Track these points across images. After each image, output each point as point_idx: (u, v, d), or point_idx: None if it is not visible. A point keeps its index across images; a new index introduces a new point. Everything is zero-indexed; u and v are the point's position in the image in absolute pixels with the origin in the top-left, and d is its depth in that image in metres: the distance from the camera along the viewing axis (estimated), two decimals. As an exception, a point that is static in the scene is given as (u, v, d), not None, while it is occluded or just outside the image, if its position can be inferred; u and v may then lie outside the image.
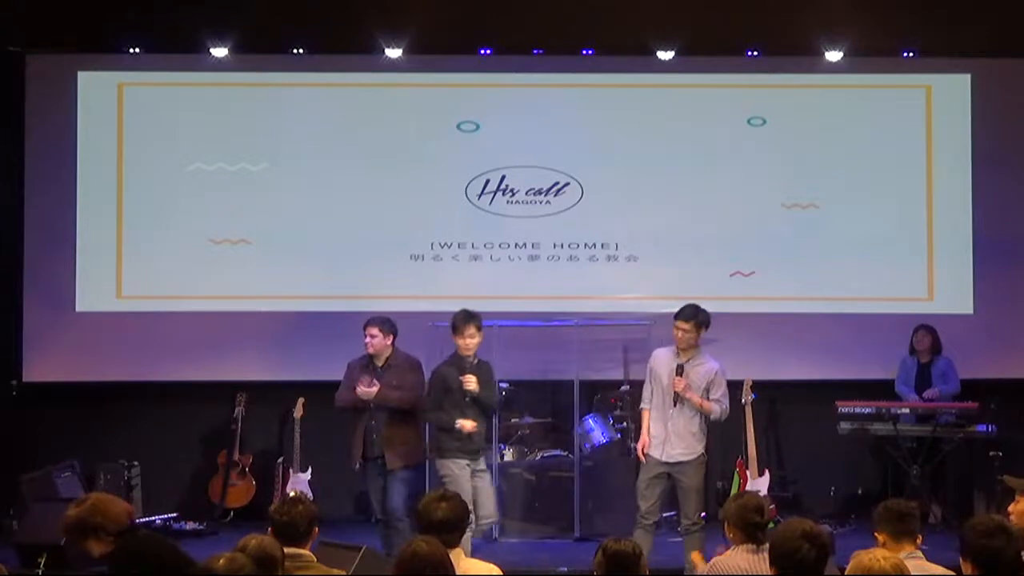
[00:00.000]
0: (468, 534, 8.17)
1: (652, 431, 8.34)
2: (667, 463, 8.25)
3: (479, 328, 8.36)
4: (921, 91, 10.93)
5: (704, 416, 8.25)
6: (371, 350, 8.48)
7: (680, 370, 8.21)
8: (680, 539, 8.50)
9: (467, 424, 8.21)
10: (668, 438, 8.25)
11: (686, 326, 8.21)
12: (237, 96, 10.92)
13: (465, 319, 8.34)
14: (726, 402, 8.33)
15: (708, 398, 8.23)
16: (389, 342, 8.52)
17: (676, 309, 8.78)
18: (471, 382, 8.25)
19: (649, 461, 8.34)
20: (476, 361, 8.40)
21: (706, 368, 8.28)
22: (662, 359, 8.39)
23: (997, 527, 4.47)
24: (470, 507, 8.11)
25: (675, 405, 8.22)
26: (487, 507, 8.32)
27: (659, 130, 10.91)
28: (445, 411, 8.28)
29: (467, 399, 8.28)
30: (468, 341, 8.30)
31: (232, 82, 10.87)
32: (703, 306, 9.84)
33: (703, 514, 8.42)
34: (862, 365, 10.67)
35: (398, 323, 10.60)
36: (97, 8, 10.27)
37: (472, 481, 8.24)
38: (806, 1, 10.40)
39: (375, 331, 8.47)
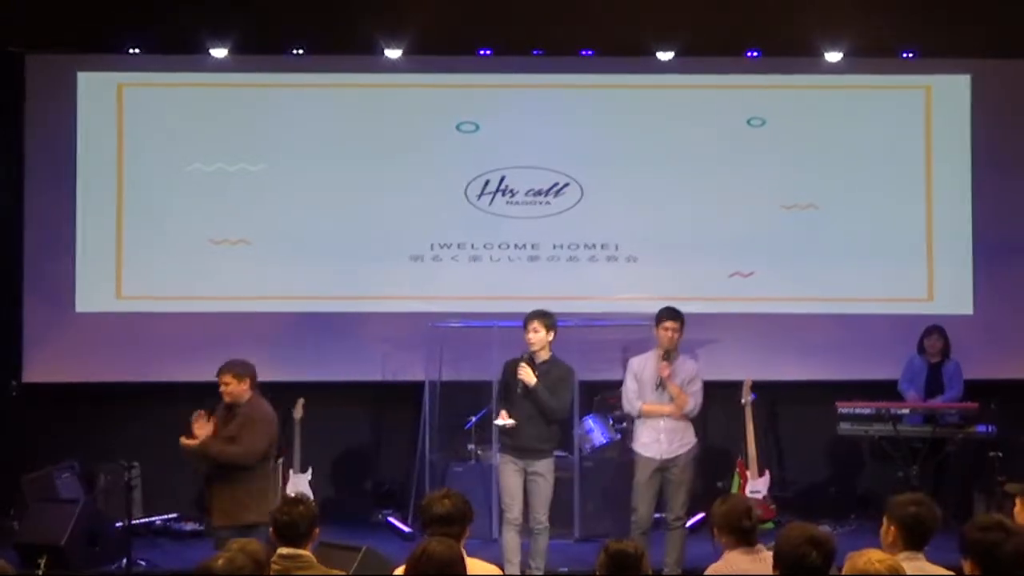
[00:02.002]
0: (512, 534, 8.22)
1: (645, 437, 8.47)
2: (662, 460, 8.39)
3: (544, 324, 8.27)
4: (921, 91, 10.94)
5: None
6: (228, 399, 7.71)
7: (667, 355, 8.44)
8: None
9: (502, 417, 8.20)
10: (662, 437, 8.40)
11: (675, 325, 8.48)
12: (237, 96, 10.92)
13: (530, 315, 8.31)
14: (699, 399, 8.55)
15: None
16: (245, 386, 7.72)
17: (676, 309, 8.81)
18: (525, 371, 8.19)
19: (644, 463, 8.44)
20: (548, 362, 8.32)
21: (688, 367, 8.58)
22: (643, 361, 8.57)
23: (995, 523, 4.48)
24: (508, 502, 8.21)
25: (656, 390, 8.40)
26: (535, 509, 8.27)
27: (659, 130, 10.92)
28: (501, 404, 8.31)
29: (519, 390, 8.22)
30: (529, 336, 8.26)
31: (232, 82, 10.87)
32: (703, 307, 9.93)
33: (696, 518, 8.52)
34: (862, 365, 10.67)
35: (397, 323, 10.69)
36: (97, 8, 10.25)
37: (526, 483, 8.25)
38: (806, 1, 10.39)
39: (228, 379, 7.68)
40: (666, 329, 8.46)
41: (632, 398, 8.54)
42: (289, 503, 5.41)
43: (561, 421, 8.75)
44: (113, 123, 10.78)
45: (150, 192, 10.83)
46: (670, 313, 8.51)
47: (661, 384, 8.41)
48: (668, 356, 8.44)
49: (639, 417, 8.57)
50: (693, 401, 8.43)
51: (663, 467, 8.39)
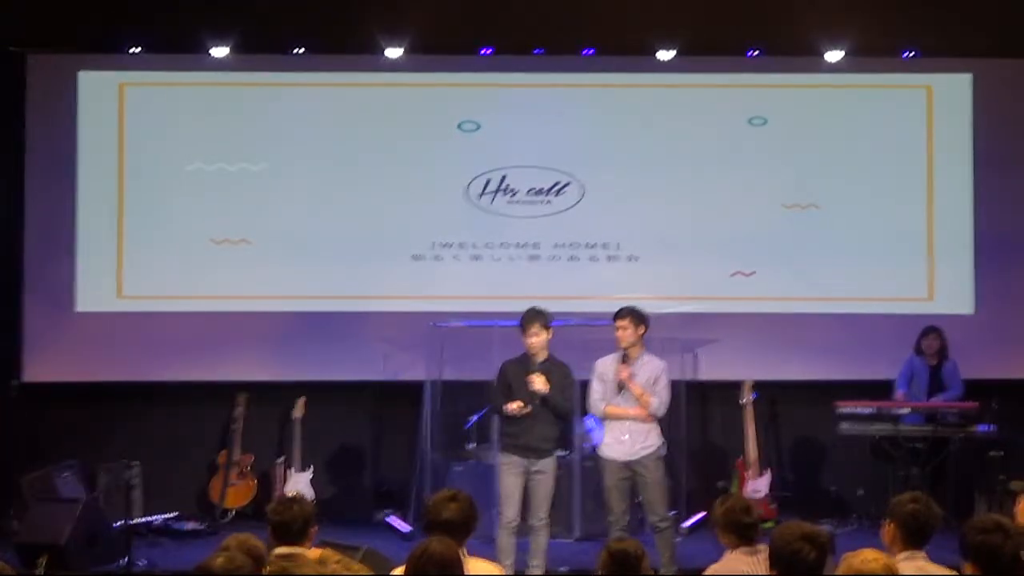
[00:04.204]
0: (507, 536, 8.19)
1: (609, 438, 8.44)
2: (627, 462, 8.33)
3: (544, 326, 8.25)
4: (921, 91, 10.93)
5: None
6: None
7: (624, 358, 8.34)
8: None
9: (513, 405, 8.13)
10: (626, 439, 8.35)
11: (623, 323, 8.35)
12: (237, 96, 10.91)
13: (529, 317, 8.24)
14: (666, 396, 8.41)
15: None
16: None
17: (676, 309, 8.80)
18: (537, 382, 8.16)
19: (610, 465, 8.38)
20: (547, 361, 8.29)
21: (652, 366, 8.43)
22: (608, 363, 8.49)
23: (995, 525, 4.47)
24: (505, 504, 8.20)
25: (618, 393, 8.33)
26: (536, 507, 8.24)
27: (659, 130, 10.91)
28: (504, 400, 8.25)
29: (536, 400, 8.19)
30: (532, 340, 8.22)
31: (232, 82, 10.86)
32: (703, 306, 9.86)
33: (672, 512, 8.57)
34: (862, 365, 10.66)
35: (398, 323, 10.71)
36: (97, 8, 10.26)
37: (528, 481, 8.22)
38: (806, 1, 10.40)
39: None
40: (615, 328, 8.38)
41: (596, 400, 8.47)
42: (283, 503, 5.40)
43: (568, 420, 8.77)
44: (114, 123, 10.77)
45: (151, 192, 10.82)
46: (620, 311, 8.40)
47: (622, 386, 8.36)
48: (627, 357, 8.35)
49: (604, 419, 8.52)
50: (657, 400, 8.33)
51: (630, 468, 8.32)
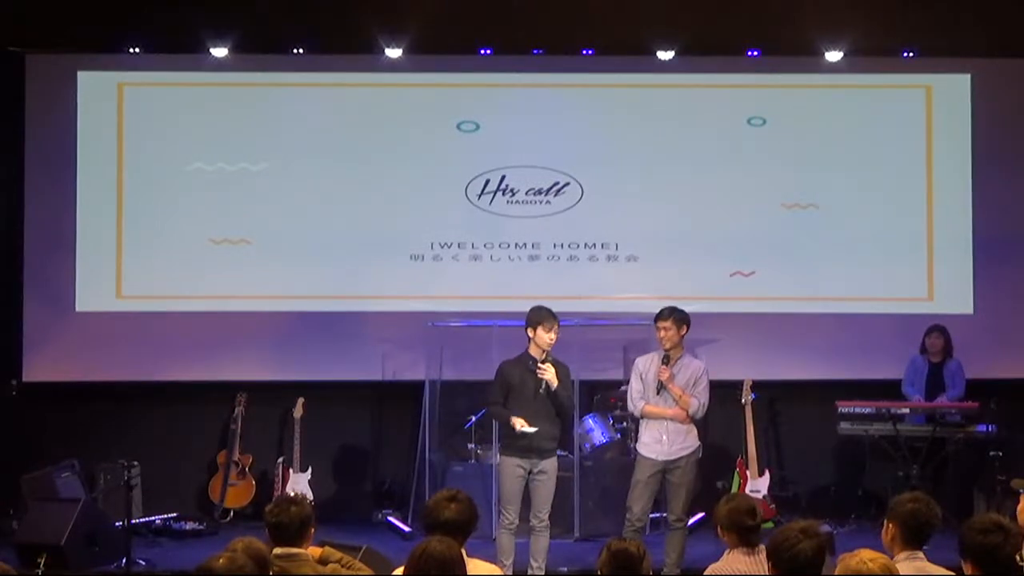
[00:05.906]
0: (508, 536, 8.18)
1: (647, 437, 8.42)
2: (664, 461, 8.34)
3: (559, 326, 8.21)
4: (921, 91, 10.93)
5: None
6: None
7: (666, 359, 8.35)
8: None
9: (518, 422, 8.03)
10: (665, 439, 8.34)
11: (667, 323, 8.34)
12: (237, 96, 10.92)
13: (548, 314, 8.12)
14: (705, 399, 8.43)
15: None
16: None
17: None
18: (550, 372, 8.08)
19: (645, 463, 8.38)
20: (548, 360, 8.19)
21: (692, 367, 8.44)
22: (648, 362, 8.49)
23: (994, 524, 4.47)
24: (507, 505, 8.15)
25: (658, 394, 8.34)
26: (537, 508, 8.20)
27: (659, 130, 10.91)
28: (508, 408, 8.17)
29: (541, 390, 8.12)
30: (554, 336, 8.10)
31: (232, 82, 10.87)
32: (703, 306, 9.87)
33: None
34: (862, 365, 10.67)
35: (398, 323, 10.71)
36: (97, 8, 10.27)
37: (530, 482, 8.18)
38: (806, 1, 10.40)
39: None
40: (658, 329, 8.38)
41: (636, 398, 8.47)
42: (280, 504, 5.39)
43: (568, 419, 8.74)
44: (113, 123, 10.77)
45: (150, 192, 10.83)
46: (662, 312, 8.39)
47: (662, 386, 8.37)
48: (667, 358, 8.36)
49: (641, 418, 8.54)
50: (696, 402, 8.34)
51: (664, 468, 8.34)
